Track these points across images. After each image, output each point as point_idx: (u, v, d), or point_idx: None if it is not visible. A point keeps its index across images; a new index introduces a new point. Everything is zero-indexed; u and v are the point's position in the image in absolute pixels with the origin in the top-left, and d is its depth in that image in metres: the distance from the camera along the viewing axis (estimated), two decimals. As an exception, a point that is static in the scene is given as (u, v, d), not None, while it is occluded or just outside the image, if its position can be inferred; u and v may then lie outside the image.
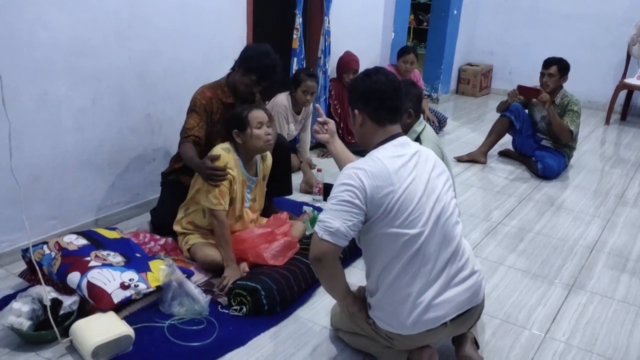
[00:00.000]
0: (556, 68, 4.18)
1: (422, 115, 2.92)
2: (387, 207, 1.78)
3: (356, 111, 1.92)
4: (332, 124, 2.23)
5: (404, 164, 1.83)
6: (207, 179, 2.54)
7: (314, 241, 1.80)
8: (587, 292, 2.72)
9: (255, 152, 2.69)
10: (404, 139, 1.92)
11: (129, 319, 2.19)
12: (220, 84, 2.89)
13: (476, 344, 2.08)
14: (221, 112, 2.84)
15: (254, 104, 2.69)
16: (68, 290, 2.24)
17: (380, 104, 1.89)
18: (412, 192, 1.80)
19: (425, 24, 8.19)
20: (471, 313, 1.95)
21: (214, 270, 2.61)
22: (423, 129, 2.75)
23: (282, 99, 3.83)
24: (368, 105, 1.90)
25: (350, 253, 2.84)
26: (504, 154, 4.76)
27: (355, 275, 2.73)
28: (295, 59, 4.13)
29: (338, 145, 2.20)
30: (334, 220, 1.76)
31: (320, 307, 2.45)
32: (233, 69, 2.86)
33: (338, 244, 1.77)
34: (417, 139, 2.73)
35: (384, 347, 2.03)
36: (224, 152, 2.61)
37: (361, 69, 4.59)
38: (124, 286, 2.21)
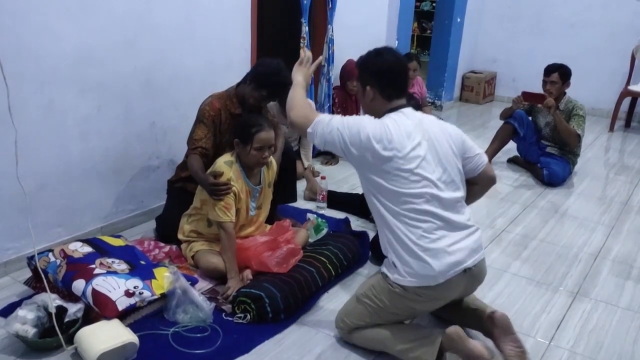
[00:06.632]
0: (557, 75, 4.19)
1: None
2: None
3: (368, 87, 2.09)
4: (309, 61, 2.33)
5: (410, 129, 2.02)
6: (211, 195, 2.56)
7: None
8: (592, 299, 2.71)
9: (247, 165, 2.70)
10: (408, 110, 2.10)
11: (133, 327, 2.19)
12: (229, 95, 2.90)
13: None
14: (229, 122, 2.86)
15: (266, 121, 2.69)
16: (73, 298, 2.25)
17: (391, 81, 2.08)
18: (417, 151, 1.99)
19: (428, 31, 8.23)
20: (479, 269, 2.10)
21: (217, 277, 2.62)
22: None
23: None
24: (380, 82, 2.07)
25: (355, 260, 2.85)
26: (512, 160, 4.76)
27: (360, 282, 2.72)
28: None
29: (302, 78, 2.27)
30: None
31: (324, 314, 2.46)
32: (244, 81, 2.87)
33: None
34: None
35: (410, 341, 2.06)
36: (226, 167, 2.62)
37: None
38: (128, 294, 2.22)
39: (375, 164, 1.99)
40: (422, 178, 1.97)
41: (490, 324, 2.12)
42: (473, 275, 2.07)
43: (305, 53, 2.33)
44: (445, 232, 2.00)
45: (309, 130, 2.08)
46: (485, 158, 2.20)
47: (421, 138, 2.01)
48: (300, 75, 2.27)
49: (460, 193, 2.08)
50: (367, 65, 2.12)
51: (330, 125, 2.04)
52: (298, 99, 2.17)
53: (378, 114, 2.08)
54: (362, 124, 2.01)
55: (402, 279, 2.01)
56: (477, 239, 2.08)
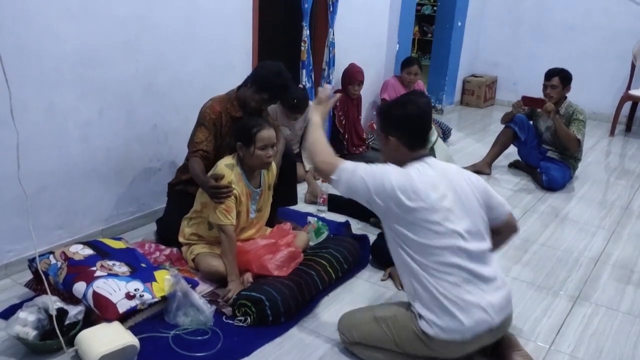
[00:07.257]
0: (558, 79, 4.19)
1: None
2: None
3: (390, 137, 2.07)
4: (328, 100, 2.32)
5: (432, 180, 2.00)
6: (211, 197, 2.57)
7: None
8: (592, 304, 2.71)
9: (252, 168, 2.70)
10: (431, 159, 2.08)
11: (134, 329, 2.20)
12: (230, 98, 2.90)
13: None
14: (230, 125, 2.86)
15: (266, 121, 2.70)
16: (74, 300, 2.25)
17: (415, 132, 2.07)
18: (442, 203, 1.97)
19: (429, 35, 8.24)
20: (505, 325, 2.08)
21: (218, 280, 2.62)
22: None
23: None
24: (403, 133, 2.06)
25: (355, 263, 2.85)
26: (513, 165, 4.75)
27: (361, 286, 2.74)
28: (304, 71, 4.15)
29: (319, 118, 2.26)
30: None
31: (325, 318, 2.46)
32: (245, 84, 2.88)
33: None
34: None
35: None
36: (227, 169, 2.62)
37: (366, 80, 4.63)
38: (129, 296, 2.22)
39: (400, 215, 1.96)
40: (448, 230, 1.94)
41: (497, 344, 2.15)
42: (499, 331, 2.05)
43: (325, 91, 2.30)
44: (472, 286, 1.96)
45: (334, 177, 2.05)
46: (508, 208, 2.18)
47: (446, 188, 1.99)
48: (317, 115, 2.25)
49: (487, 244, 2.05)
50: (390, 115, 2.10)
51: (355, 174, 2.01)
52: (320, 143, 2.15)
53: (401, 163, 2.05)
54: (387, 174, 1.99)
55: (430, 328, 1.97)
56: (506, 295, 2.04)
